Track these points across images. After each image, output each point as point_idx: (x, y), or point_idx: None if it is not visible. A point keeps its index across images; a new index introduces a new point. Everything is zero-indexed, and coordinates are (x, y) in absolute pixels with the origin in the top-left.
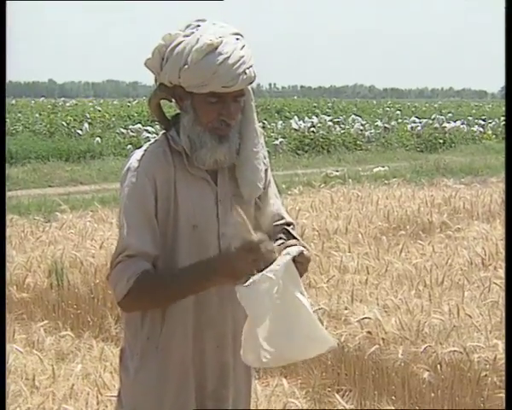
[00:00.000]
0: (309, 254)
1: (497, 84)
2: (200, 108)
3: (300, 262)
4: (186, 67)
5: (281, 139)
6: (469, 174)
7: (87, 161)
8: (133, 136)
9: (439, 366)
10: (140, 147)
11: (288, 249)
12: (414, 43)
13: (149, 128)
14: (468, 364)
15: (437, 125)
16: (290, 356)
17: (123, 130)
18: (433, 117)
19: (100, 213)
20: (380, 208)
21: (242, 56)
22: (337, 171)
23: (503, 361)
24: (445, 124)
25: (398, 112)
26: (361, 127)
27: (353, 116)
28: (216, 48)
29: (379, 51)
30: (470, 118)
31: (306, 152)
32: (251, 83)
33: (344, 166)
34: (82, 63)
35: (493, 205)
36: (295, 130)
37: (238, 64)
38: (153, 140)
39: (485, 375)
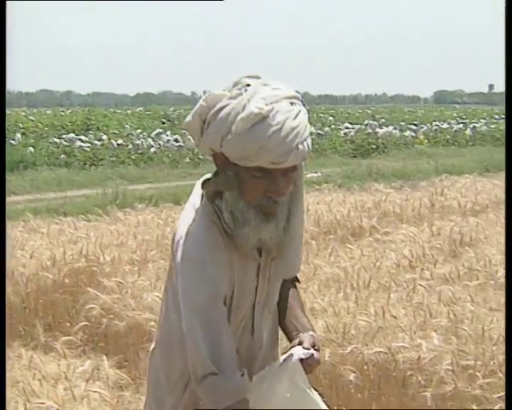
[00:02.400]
0: (318, 357)
1: (429, 89)
2: (244, 182)
3: (309, 365)
4: (229, 137)
5: None
6: (401, 179)
7: (20, 171)
8: (66, 145)
9: (365, 366)
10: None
11: (298, 352)
12: (347, 51)
13: (83, 137)
14: (394, 364)
15: (369, 130)
16: None
17: (56, 139)
18: (365, 123)
19: (32, 223)
20: (310, 214)
21: (296, 127)
22: None
23: (427, 360)
24: (378, 129)
25: (332, 118)
26: None
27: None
28: (265, 117)
29: (312, 58)
30: (403, 123)
31: None
32: (305, 158)
33: None
34: (14, 73)
35: (422, 209)
36: None
37: (290, 137)
38: (200, 211)
39: (411, 374)
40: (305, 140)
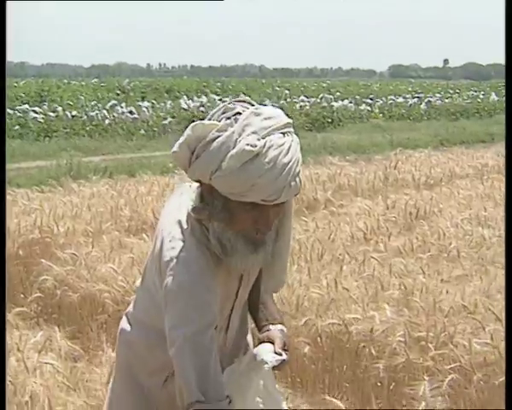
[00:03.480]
0: (288, 359)
1: (385, 63)
2: (233, 213)
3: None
4: (219, 173)
5: (170, 119)
6: (356, 152)
7: None
8: (20, 117)
9: (318, 338)
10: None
11: (269, 357)
12: (304, 24)
13: (37, 109)
14: (347, 336)
15: (325, 104)
16: None
17: (10, 111)
18: (321, 96)
19: None
20: None
21: (288, 163)
22: None
23: (380, 332)
24: (333, 103)
25: (287, 91)
26: None
27: (242, 96)
28: (257, 154)
29: (269, 31)
30: (358, 97)
31: None
32: (297, 194)
33: None
34: None
35: (377, 182)
36: (184, 109)
37: (283, 175)
38: (188, 232)
39: (364, 346)
40: (297, 175)
